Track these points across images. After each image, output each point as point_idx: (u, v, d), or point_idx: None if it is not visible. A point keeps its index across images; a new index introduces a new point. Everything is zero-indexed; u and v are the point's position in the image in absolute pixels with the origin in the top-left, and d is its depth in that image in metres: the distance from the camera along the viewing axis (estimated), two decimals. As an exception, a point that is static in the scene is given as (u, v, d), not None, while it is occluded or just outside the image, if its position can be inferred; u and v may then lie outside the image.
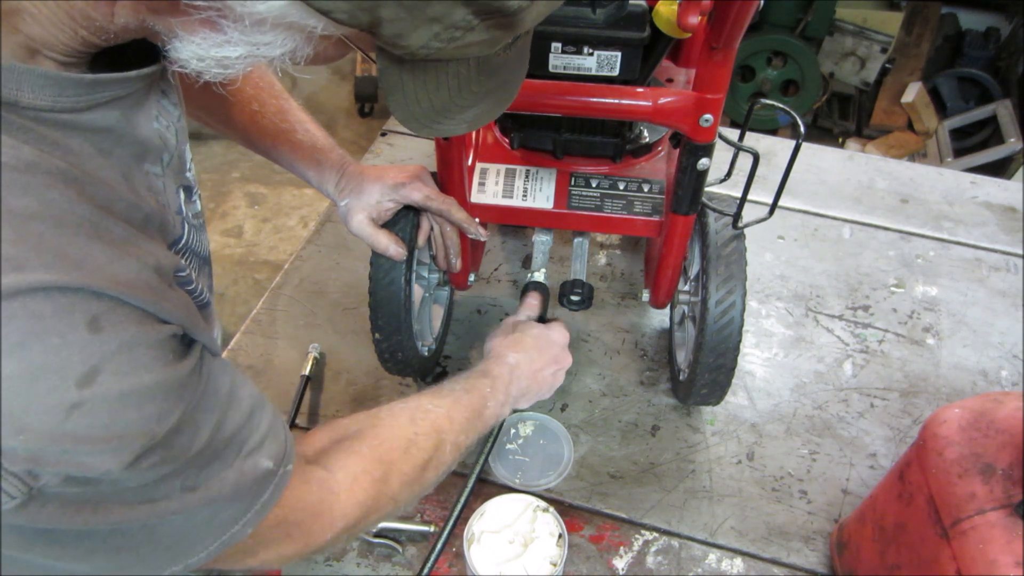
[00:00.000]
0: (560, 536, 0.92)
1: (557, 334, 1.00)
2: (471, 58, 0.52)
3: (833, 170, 1.59)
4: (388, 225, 0.98)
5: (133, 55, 0.53)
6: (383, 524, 0.99)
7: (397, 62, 0.50)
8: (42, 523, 0.47)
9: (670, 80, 1.05)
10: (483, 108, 0.58)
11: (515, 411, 0.97)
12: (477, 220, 1.02)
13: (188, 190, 0.63)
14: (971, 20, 3.36)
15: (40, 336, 0.43)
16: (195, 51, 0.48)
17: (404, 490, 0.74)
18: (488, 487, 1.05)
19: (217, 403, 0.54)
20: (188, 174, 0.64)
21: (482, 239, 1.04)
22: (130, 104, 0.53)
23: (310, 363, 1.19)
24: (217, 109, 0.91)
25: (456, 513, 0.93)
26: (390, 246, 0.96)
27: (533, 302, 1.06)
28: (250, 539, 0.59)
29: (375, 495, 0.71)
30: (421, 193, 0.97)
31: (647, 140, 1.07)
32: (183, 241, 0.60)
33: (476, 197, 1.04)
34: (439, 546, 0.91)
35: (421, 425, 0.78)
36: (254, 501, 0.58)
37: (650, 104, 0.84)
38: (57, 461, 0.45)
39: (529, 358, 0.95)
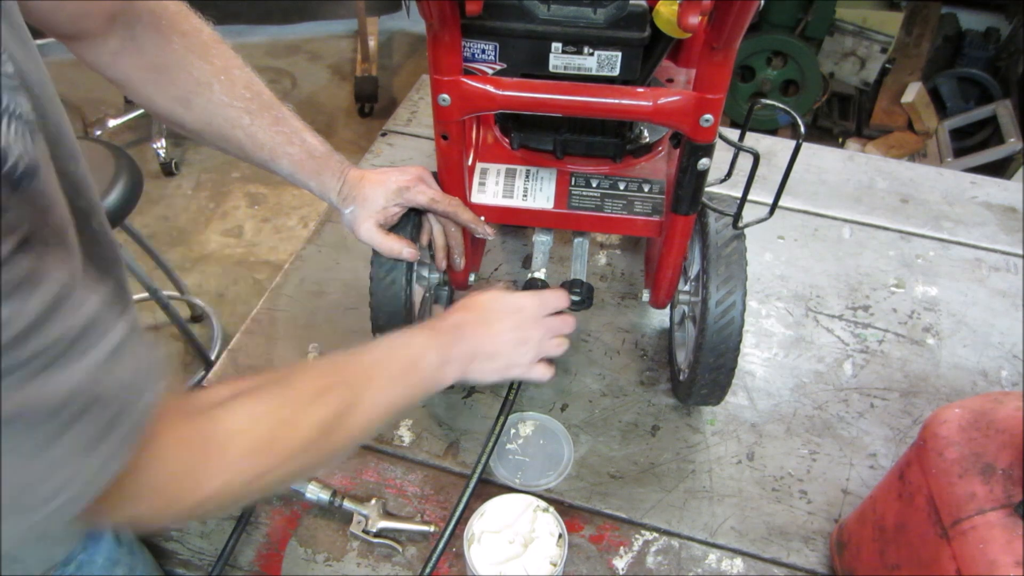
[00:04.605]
0: (560, 536, 0.92)
1: (526, 299, 0.93)
2: None
3: (833, 170, 1.59)
4: (392, 228, 0.98)
5: None
6: (383, 523, 0.99)
7: None
8: None
9: (670, 80, 1.05)
10: None
11: (508, 406, 0.95)
12: (483, 219, 1.02)
13: None
14: (971, 20, 3.36)
15: None
16: None
17: (301, 455, 0.66)
18: (488, 487, 1.05)
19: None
20: None
21: (489, 238, 1.04)
22: None
23: (310, 363, 1.19)
24: (213, 126, 0.91)
25: (457, 513, 0.94)
26: (404, 249, 0.96)
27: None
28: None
29: (269, 439, 0.63)
30: (426, 196, 0.97)
31: (647, 140, 1.07)
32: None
33: (476, 197, 1.05)
34: (440, 546, 0.92)
35: (334, 378, 0.72)
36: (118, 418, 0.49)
37: (650, 104, 0.85)
38: None
39: (478, 318, 0.90)
